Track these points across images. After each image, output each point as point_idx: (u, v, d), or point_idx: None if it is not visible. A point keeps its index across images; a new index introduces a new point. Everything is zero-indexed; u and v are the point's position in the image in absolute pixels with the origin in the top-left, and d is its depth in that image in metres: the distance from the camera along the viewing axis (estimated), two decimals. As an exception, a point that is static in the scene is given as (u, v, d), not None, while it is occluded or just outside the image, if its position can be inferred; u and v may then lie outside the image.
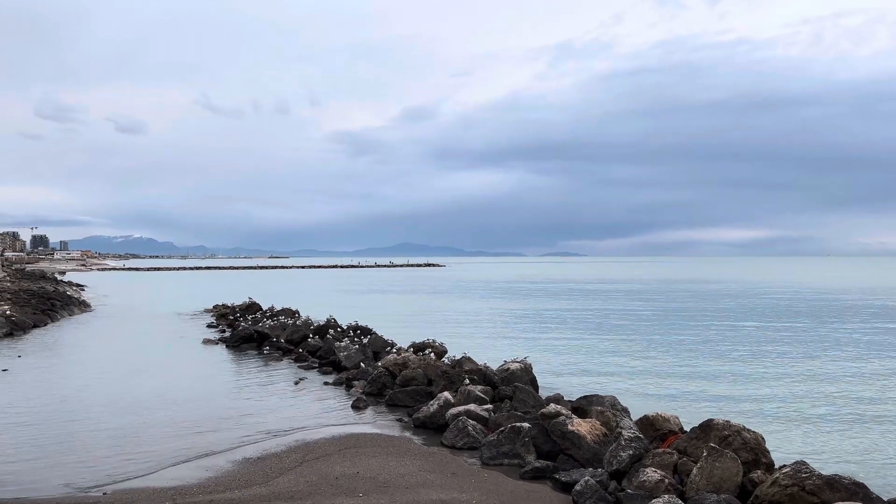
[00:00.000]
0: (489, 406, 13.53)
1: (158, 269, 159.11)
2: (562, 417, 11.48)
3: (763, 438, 9.96)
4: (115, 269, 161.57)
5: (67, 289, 57.21)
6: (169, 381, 17.96)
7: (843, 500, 7.99)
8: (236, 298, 43.10)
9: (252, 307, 35.79)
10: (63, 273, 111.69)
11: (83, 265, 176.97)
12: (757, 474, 9.20)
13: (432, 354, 18.96)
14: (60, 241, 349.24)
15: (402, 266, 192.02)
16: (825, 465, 10.90)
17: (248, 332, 26.02)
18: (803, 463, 8.66)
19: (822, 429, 13.86)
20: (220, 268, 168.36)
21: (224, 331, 30.67)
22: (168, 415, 13.97)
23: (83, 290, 63.24)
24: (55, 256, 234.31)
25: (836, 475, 8.39)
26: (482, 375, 16.26)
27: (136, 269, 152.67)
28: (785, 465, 8.93)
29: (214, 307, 42.04)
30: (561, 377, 19.52)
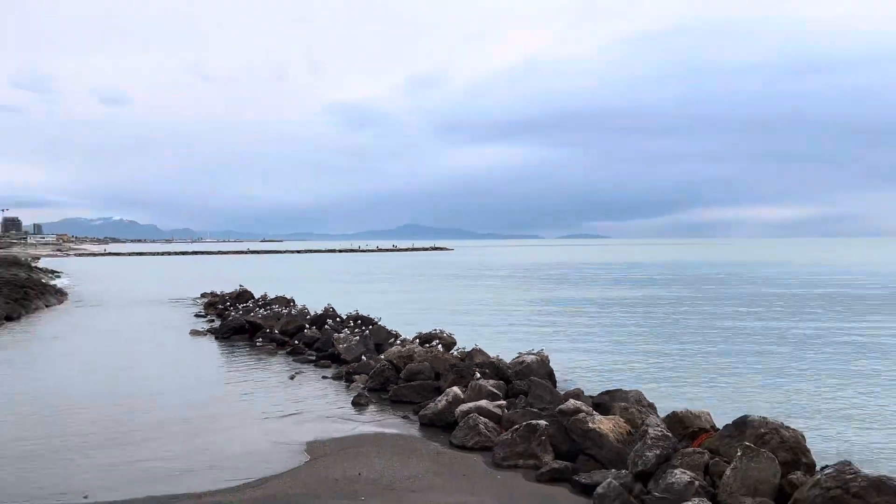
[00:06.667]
0: (502, 402, 13.58)
1: (141, 254, 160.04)
2: (582, 414, 11.50)
3: (804, 437, 9.96)
4: (94, 254, 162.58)
5: (43, 276, 57.64)
6: (155, 377, 18.12)
7: (891, 504, 7.99)
8: (226, 286, 43.31)
9: (243, 295, 35.98)
10: (37, 259, 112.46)
11: (59, 250, 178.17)
12: (796, 475, 9.20)
13: (440, 346, 19.02)
14: (34, 224, 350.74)
15: (406, 250, 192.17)
16: (871, 466, 10.89)
17: (238, 323, 26.16)
18: (848, 463, 8.65)
19: (868, 426, 13.83)
20: (208, 252, 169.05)
21: (213, 321, 30.87)
22: (156, 416, 14.10)
23: (60, 277, 63.71)
24: (28, 241, 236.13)
25: (883, 476, 8.38)
26: (494, 369, 16.30)
27: (117, 255, 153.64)
28: (827, 466, 8.93)
29: (202, 295, 42.28)
30: (580, 371, 19.54)
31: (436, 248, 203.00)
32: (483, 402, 13.28)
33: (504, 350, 19.24)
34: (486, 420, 12.47)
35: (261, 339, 24.57)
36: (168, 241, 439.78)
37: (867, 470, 8.85)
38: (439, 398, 13.97)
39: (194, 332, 26.73)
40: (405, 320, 28.58)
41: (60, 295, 43.46)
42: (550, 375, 16.61)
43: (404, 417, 14.16)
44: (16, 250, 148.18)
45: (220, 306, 33.87)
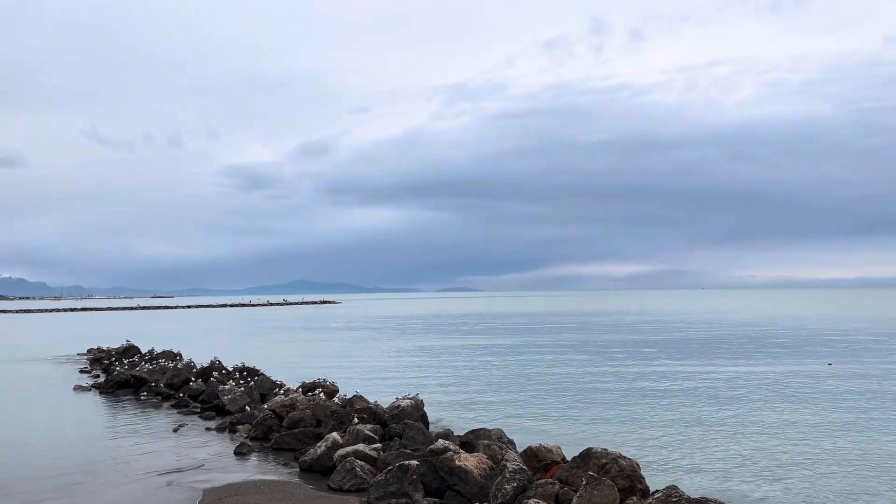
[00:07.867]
0: (378, 445, 13.30)
1: (28, 311, 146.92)
2: (449, 453, 11.44)
3: (638, 465, 10.35)
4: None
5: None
6: (35, 434, 16.44)
7: (709, 521, 8.41)
8: (113, 341, 40.47)
9: (130, 350, 33.65)
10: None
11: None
12: (633, 500, 9.52)
13: (322, 394, 18.45)
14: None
15: (296, 304, 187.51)
16: (697, 489, 11.45)
17: (124, 377, 24.40)
18: (674, 487, 9.06)
19: (694, 454, 14.59)
20: (97, 309, 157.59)
21: (98, 376, 28.61)
22: (37, 475, 12.76)
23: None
24: None
25: (703, 497, 8.83)
26: (372, 414, 15.98)
27: (3, 312, 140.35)
28: (657, 491, 9.30)
29: (88, 351, 39.27)
30: (452, 412, 19.54)
31: (324, 302, 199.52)
32: (360, 446, 12.96)
33: (382, 395, 19.01)
34: (363, 463, 12.15)
35: (146, 393, 22.97)
36: (57, 298, 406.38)
37: (691, 493, 9.30)
38: (319, 444, 13.50)
39: (78, 388, 24.64)
40: (291, 371, 27.70)
41: (-64, 354, 39.11)
42: (424, 418, 16.46)
43: (285, 464, 13.55)
44: None
45: (105, 362, 31.51)
